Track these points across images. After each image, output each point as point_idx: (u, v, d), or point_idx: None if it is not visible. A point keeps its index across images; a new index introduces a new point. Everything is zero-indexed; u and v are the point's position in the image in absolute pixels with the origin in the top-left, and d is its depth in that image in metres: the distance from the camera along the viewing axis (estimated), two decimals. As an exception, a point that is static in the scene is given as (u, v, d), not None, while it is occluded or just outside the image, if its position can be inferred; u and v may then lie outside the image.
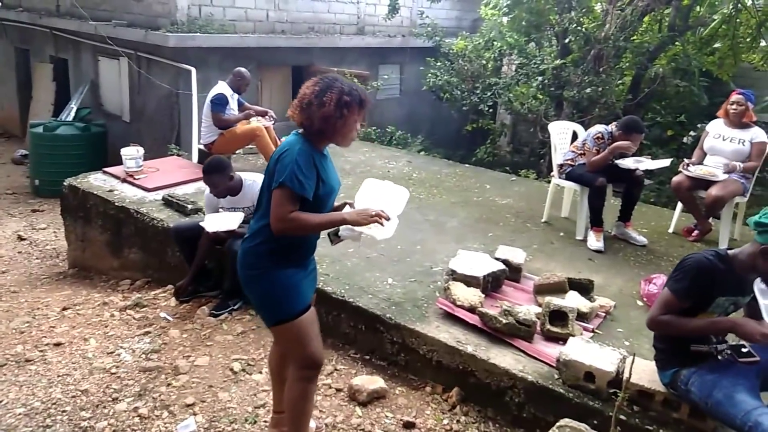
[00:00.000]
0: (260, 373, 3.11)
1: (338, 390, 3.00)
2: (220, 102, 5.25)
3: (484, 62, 7.57)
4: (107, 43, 8.37)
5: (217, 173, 3.64)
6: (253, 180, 3.77)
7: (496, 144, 9.07)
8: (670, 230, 4.89)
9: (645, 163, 4.39)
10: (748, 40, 7.92)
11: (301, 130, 2.19)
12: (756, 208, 5.03)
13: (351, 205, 2.35)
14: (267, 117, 5.64)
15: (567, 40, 7.08)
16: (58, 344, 3.35)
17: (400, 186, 2.48)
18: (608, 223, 4.57)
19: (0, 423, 2.63)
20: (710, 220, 4.73)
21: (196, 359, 3.18)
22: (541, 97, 7.63)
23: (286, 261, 2.17)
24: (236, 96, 5.45)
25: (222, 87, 5.32)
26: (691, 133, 8.39)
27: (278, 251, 2.15)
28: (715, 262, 2.23)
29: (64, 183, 5.06)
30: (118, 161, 5.25)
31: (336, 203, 2.36)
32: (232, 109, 5.41)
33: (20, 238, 6.37)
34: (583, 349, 2.77)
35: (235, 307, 3.74)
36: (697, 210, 4.72)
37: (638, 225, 4.77)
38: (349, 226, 2.18)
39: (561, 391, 2.70)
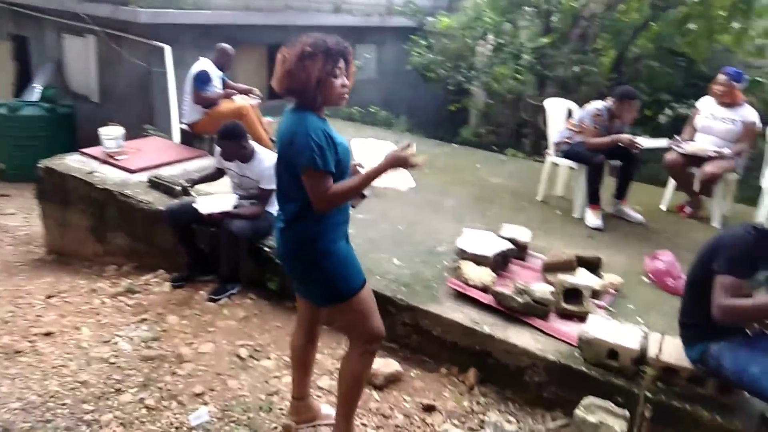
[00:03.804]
0: (269, 359, 2.98)
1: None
2: (201, 79, 5.02)
3: (468, 41, 7.47)
4: (72, 20, 7.95)
5: (229, 140, 3.56)
6: (265, 157, 3.64)
7: (469, 124, 8.99)
8: (663, 207, 4.93)
9: (643, 142, 4.38)
10: (721, 21, 8.01)
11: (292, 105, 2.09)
12: (745, 186, 5.11)
13: (359, 166, 2.25)
14: (251, 95, 5.43)
15: (553, 18, 7.03)
16: (48, 334, 3.15)
17: (385, 141, 2.41)
18: (603, 201, 4.55)
19: (-5, 419, 2.44)
20: (701, 197, 4.78)
21: (200, 346, 3.03)
22: (520, 77, 7.59)
23: (335, 236, 2.11)
24: (220, 74, 5.22)
25: (204, 63, 5.09)
26: (667, 111, 8.49)
27: (325, 229, 2.08)
28: (756, 236, 2.19)
29: (39, 165, 4.76)
30: (89, 143, 4.99)
31: None
32: (216, 87, 5.19)
33: (-12, 225, 6.03)
34: (605, 327, 2.73)
35: (234, 291, 3.59)
36: (690, 187, 4.75)
37: (630, 202, 4.78)
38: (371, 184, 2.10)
39: (583, 369, 2.66)
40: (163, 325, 3.22)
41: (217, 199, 3.68)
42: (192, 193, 4.03)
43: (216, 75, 5.17)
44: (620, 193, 4.63)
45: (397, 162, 2.07)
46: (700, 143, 4.66)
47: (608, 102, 4.43)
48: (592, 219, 4.38)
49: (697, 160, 4.58)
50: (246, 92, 5.41)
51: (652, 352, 2.59)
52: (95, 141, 5.09)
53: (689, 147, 4.62)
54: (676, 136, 4.80)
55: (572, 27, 6.94)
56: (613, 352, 2.62)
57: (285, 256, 2.16)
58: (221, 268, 3.67)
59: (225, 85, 5.27)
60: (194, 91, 5.02)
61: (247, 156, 3.64)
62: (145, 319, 3.29)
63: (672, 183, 4.89)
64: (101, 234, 4.49)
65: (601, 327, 2.73)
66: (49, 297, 3.71)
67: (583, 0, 7.00)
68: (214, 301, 3.48)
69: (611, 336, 2.65)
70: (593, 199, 4.43)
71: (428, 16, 9.72)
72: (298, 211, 2.06)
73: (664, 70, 7.77)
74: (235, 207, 3.59)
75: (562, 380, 2.71)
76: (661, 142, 4.59)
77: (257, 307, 3.44)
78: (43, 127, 7.96)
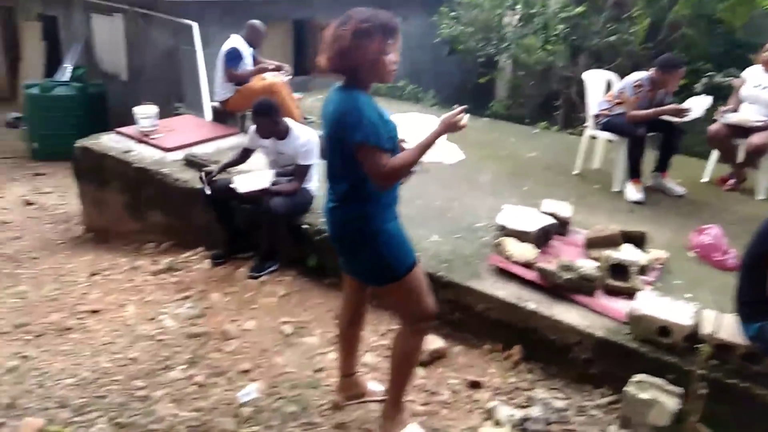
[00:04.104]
0: (312, 335, 3.00)
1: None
2: (233, 56, 4.98)
3: (497, 11, 7.28)
4: (100, -1, 7.96)
5: (264, 116, 3.55)
6: (301, 133, 3.63)
7: (497, 97, 8.80)
8: (704, 180, 4.78)
9: (690, 105, 4.22)
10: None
11: (339, 82, 2.04)
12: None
13: (403, 141, 2.22)
14: (283, 71, 5.38)
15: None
16: (95, 311, 3.21)
17: (427, 115, 2.36)
18: (644, 174, 4.42)
19: (51, 395, 2.50)
20: (745, 169, 4.63)
21: (244, 323, 3.06)
22: (549, 48, 7.38)
23: (387, 215, 2.09)
24: (251, 50, 5.17)
25: (236, 41, 5.05)
26: (704, 80, 8.21)
27: (376, 209, 2.06)
28: None
29: (76, 144, 4.81)
30: (119, 122, 5.01)
31: None
32: (247, 64, 5.15)
33: (27, 203, 6.14)
34: (655, 304, 2.67)
35: (273, 269, 3.60)
36: (734, 159, 4.60)
37: (670, 176, 4.64)
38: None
39: (633, 346, 2.61)
40: (206, 303, 3.26)
41: (254, 176, 3.68)
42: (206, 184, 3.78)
43: (247, 52, 5.13)
44: (661, 166, 4.50)
45: (450, 127, 2.03)
46: (746, 113, 4.50)
47: (650, 72, 4.29)
48: (633, 193, 4.27)
49: (742, 131, 4.42)
50: (276, 69, 5.36)
51: (705, 328, 2.53)
52: (125, 119, 5.13)
53: (734, 117, 4.47)
54: (721, 107, 4.64)
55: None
56: (664, 329, 2.56)
57: (336, 235, 2.15)
58: (261, 246, 3.69)
59: (255, 62, 5.23)
60: (226, 69, 5.00)
61: (282, 132, 3.63)
62: (188, 297, 3.33)
63: (714, 155, 4.74)
64: (138, 212, 4.55)
65: (652, 303, 2.67)
66: (93, 275, 3.79)
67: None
68: (255, 278, 3.50)
69: (662, 313, 2.59)
70: (634, 173, 4.32)
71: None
72: (348, 190, 2.04)
73: (701, 38, 7.49)
74: (273, 184, 3.58)
75: (611, 357, 2.67)
76: (706, 100, 4.37)
77: (297, 285, 3.45)
78: (74, 107, 8.03)
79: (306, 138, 3.62)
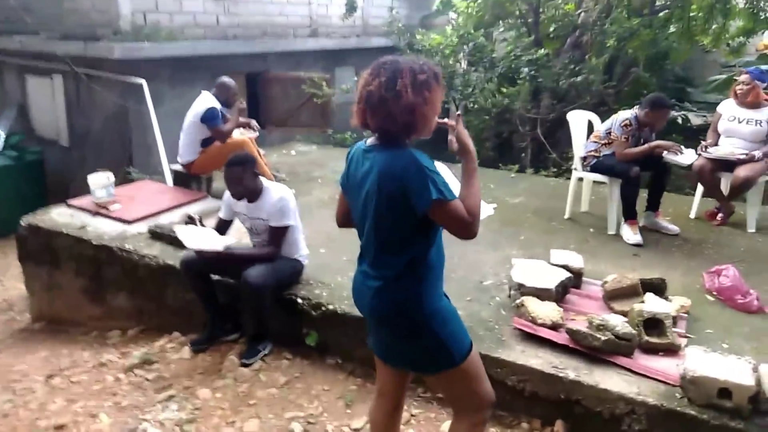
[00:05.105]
0: (326, 431, 2.59)
1: (426, 441, 2.54)
2: (214, 116, 4.60)
3: (451, 59, 7.27)
4: (36, 60, 7.42)
5: (239, 166, 3.11)
6: (275, 192, 3.21)
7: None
8: (692, 215, 4.73)
9: (685, 158, 4.20)
10: (699, 23, 8.04)
11: (370, 140, 1.80)
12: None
13: None
14: (249, 128, 5.05)
15: (551, 28, 6.88)
16: (59, 427, 2.68)
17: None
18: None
19: None
20: (731, 202, 4.60)
21: (244, 425, 2.62)
22: (505, 90, 7.40)
23: (439, 292, 1.86)
24: (221, 109, 4.80)
25: (211, 100, 4.67)
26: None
27: (429, 285, 1.80)
28: None
29: (21, 222, 4.27)
30: (59, 191, 4.51)
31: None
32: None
33: (-41, 292, 5.44)
34: (708, 362, 2.44)
35: (266, 352, 3.18)
36: (720, 193, 4.57)
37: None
38: None
39: (692, 412, 2.36)
40: (195, 402, 2.79)
41: (204, 233, 3.19)
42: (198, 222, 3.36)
43: (221, 111, 4.76)
44: (653, 205, 4.41)
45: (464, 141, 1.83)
46: (727, 147, 4.50)
47: (635, 110, 4.23)
48: (631, 235, 4.14)
49: (726, 164, 4.42)
50: (244, 125, 5.03)
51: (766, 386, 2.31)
52: (66, 188, 4.63)
53: (718, 151, 4.47)
54: (703, 142, 4.64)
55: (567, 37, 6.78)
56: (724, 391, 2.32)
57: (383, 320, 1.83)
58: (246, 327, 3.26)
59: (224, 120, 4.86)
60: (214, 129, 4.58)
61: (256, 192, 3.21)
62: (172, 396, 2.85)
63: (700, 190, 4.71)
64: (99, 295, 4.02)
65: (704, 362, 2.44)
66: (50, 377, 3.23)
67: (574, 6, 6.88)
68: (247, 365, 3.06)
69: (719, 372, 2.36)
70: (630, 214, 4.20)
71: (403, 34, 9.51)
72: (405, 267, 1.75)
73: (645, 76, 7.76)
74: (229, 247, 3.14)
75: (668, 427, 2.40)
76: (692, 153, 4.36)
77: (297, 369, 3.04)
78: (10, 178, 7.36)
79: (278, 195, 3.19)
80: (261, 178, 3.28)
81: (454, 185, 1.83)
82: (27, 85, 8.26)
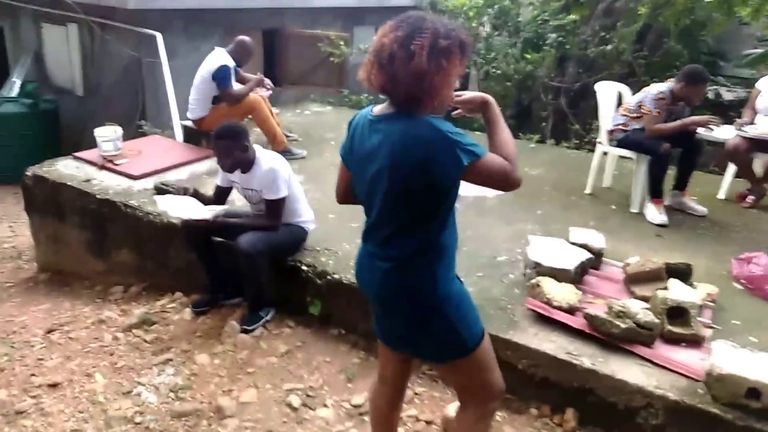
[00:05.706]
0: (325, 406, 2.49)
1: (428, 422, 2.43)
2: (225, 74, 4.41)
3: (484, 21, 6.94)
4: (51, 7, 7.25)
5: (228, 139, 2.89)
6: (265, 162, 2.99)
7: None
8: (720, 196, 4.49)
9: (720, 133, 3.96)
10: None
11: (378, 108, 1.60)
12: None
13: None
14: (263, 86, 4.86)
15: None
16: (54, 385, 2.61)
17: None
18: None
19: None
20: (764, 185, 4.36)
21: (241, 394, 2.52)
22: (529, 56, 7.10)
23: (452, 274, 1.70)
24: (233, 65, 4.60)
25: (224, 57, 4.46)
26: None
27: (446, 267, 1.65)
28: None
29: (27, 173, 4.17)
30: (74, 141, 4.39)
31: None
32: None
33: (-32, 237, 5.42)
34: (737, 358, 2.28)
35: (268, 318, 3.07)
36: (753, 174, 4.33)
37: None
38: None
39: (715, 411, 2.20)
40: (192, 367, 2.71)
41: (185, 202, 3.03)
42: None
43: (233, 69, 4.57)
44: (681, 184, 4.18)
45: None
46: (765, 126, 4.24)
47: (670, 83, 3.97)
48: (656, 215, 3.93)
49: (762, 144, 4.16)
50: (258, 83, 4.83)
51: (799, 387, 2.15)
52: (81, 138, 4.52)
53: (754, 130, 4.21)
54: (738, 120, 4.38)
55: (598, 3, 6.43)
56: (753, 391, 2.17)
57: (395, 303, 1.68)
58: (247, 292, 3.15)
59: (237, 77, 4.67)
60: (224, 90, 4.41)
61: (247, 163, 2.99)
62: (169, 360, 2.77)
63: (731, 170, 4.46)
64: (103, 251, 3.94)
65: (733, 358, 2.27)
66: (50, 332, 3.18)
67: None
68: (248, 332, 2.96)
69: (749, 371, 2.19)
70: (656, 193, 3.98)
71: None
72: (417, 248, 1.60)
73: (684, 47, 7.37)
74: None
75: (688, 424, 2.26)
76: (730, 129, 4.12)
77: (299, 338, 2.94)
78: (24, 125, 7.29)
79: (268, 166, 2.96)
80: (254, 146, 3.08)
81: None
82: (42, 32, 8.11)
